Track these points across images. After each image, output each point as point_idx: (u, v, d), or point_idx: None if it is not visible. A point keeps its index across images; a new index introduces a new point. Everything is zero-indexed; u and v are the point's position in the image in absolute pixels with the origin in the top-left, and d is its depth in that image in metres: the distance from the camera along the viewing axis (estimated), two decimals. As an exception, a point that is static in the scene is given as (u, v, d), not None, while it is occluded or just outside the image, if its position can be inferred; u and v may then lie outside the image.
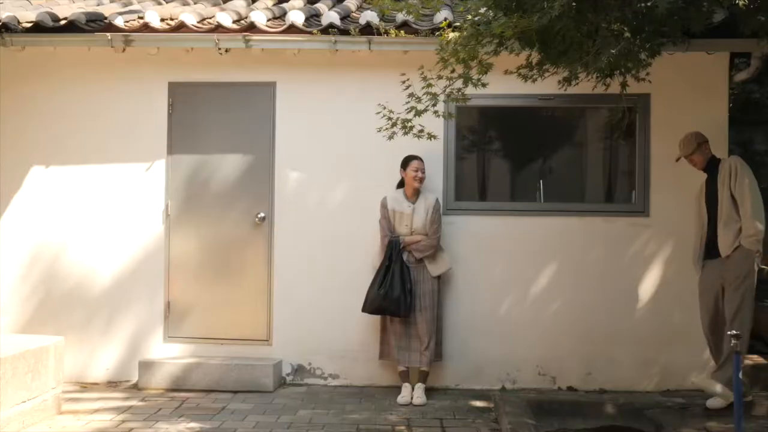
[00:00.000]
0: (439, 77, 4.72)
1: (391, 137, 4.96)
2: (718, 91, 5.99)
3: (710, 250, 5.30)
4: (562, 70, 4.67)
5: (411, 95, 4.78)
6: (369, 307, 5.65)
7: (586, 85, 4.83)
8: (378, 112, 5.00)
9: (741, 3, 3.93)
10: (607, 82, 4.58)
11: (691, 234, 5.92)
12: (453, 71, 4.68)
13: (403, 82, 4.81)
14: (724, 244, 5.15)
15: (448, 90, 4.80)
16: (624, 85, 4.62)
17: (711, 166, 5.38)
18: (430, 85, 4.72)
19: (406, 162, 5.78)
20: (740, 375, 4.06)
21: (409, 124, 4.89)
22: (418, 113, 4.77)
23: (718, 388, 5.07)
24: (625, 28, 4.02)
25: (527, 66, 4.79)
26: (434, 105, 4.76)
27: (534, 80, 4.81)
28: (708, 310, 5.28)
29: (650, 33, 4.12)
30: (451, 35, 4.63)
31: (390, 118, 4.94)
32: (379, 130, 5.02)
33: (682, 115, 5.98)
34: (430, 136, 5.04)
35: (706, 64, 5.89)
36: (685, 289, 5.90)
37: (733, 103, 7.71)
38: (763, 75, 6.89)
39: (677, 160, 5.48)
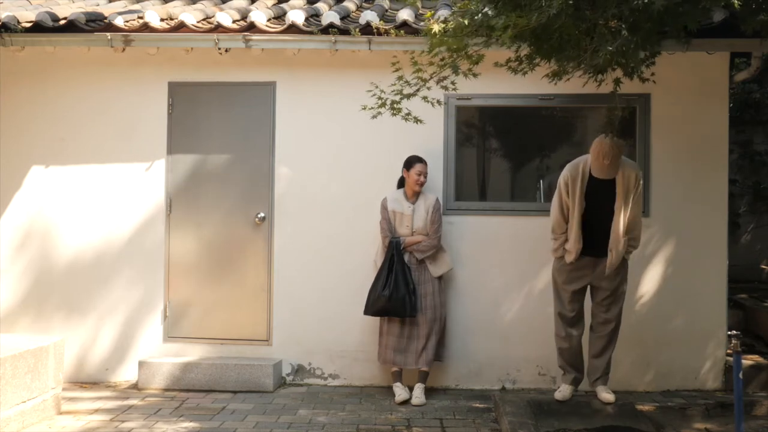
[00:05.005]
0: (431, 63, 4.68)
1: (375, 117, 4.95)
2: (718, 90, 5.98)
3: (589, 247, 5.21)
4: (553, 63, 4.63)
5: (400, 78, 4.77)
6: (372, 308, 5.63)
7: (585, 85, 4.81)
8: (369, 90, 4.98)
9: (736, 3, 3.92)
10: (599, 78, 4.55)
11: (692, 234, 5.92)
12: (443, 59, 4.64)
13: (393, 64, 4.81)
14: (616, 253, 5.12)
15: (437, 77, 4.77)
16: (617, 82, 4.59)
17: None
18: (419, 70, 4.69)
19: (410, 163, 5.74)
20: (740, 375, 4.06)
21: (398, 106, 4.88)
22: (406, 96, 4.75)
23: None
24: (623, 26, 4.01)
25: (517, 59, 4.74)
26: (419, 90, 4.72)
27: (525, 73, 4.76)
28: (577, 301, 5.28)
29: (648, 31, 4.11)
30: (436, 27, 4.60)
31: (380, 98, 4.91)
32: (364, 108, 4.99)
33: (682, 115, 5.98)
34: (417, 120, 5.01)
35: (706, 64, 5.88)
36: (686, 289, 5.91)
37: (733, 103, 7.72)
38: (763, 75, 6.89)
39: (605, 160, 5.07)
